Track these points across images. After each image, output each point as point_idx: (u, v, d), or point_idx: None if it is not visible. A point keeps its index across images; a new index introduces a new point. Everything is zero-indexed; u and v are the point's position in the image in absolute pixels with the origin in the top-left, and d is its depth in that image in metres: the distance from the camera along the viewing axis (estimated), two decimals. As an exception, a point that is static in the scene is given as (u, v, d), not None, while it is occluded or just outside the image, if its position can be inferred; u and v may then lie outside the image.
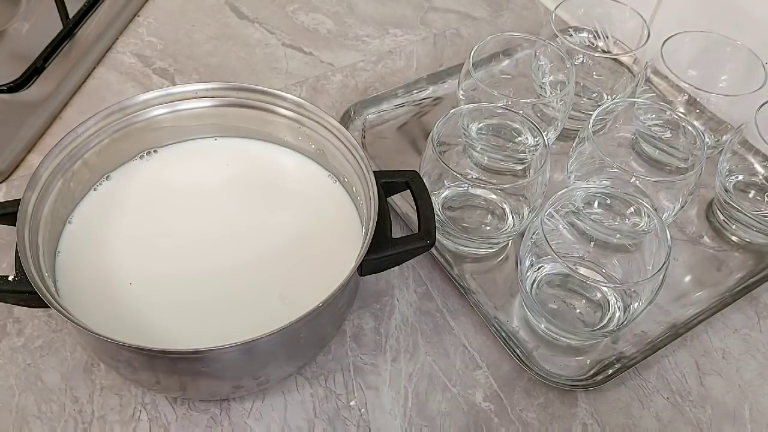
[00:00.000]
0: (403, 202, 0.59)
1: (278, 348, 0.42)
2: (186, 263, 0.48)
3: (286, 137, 0.54)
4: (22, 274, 0.40)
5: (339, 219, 0.51)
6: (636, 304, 0.48)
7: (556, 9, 0.65)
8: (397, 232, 0.57)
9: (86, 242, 0.48)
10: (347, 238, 0.50)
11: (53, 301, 0.40)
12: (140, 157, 0.53)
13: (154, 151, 0.54)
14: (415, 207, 0.48)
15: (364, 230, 0.49)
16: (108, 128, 0.50)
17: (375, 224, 0.44)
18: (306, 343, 0.45)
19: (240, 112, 0.53)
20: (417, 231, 0.47)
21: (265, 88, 0.52)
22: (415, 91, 0.69)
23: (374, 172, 0.47)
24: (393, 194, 0.50)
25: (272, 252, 0.49)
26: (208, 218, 0.51)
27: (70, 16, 0.72)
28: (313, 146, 0.53)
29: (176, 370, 0.42)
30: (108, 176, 0.52)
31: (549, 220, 0.50)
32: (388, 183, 0.49)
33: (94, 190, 0.51)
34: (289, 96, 0.52)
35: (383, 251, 0.45)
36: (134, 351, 0.39)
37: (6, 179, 0.60)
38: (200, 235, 0.50)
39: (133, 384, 0.47)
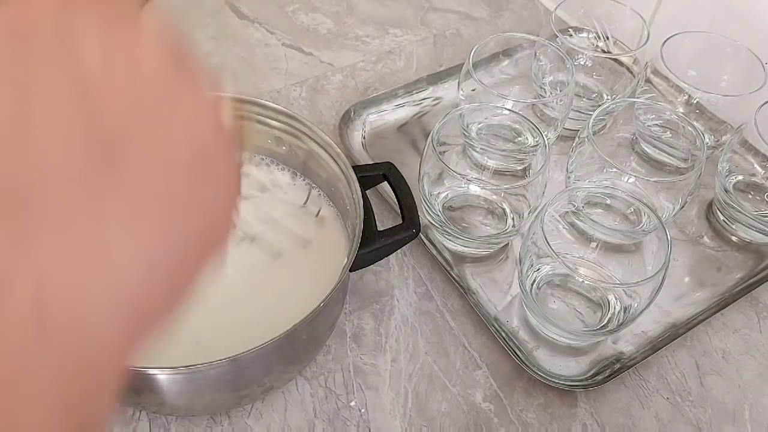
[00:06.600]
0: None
1: (275, 356, 0.42)
2: None
3: (253, 141, 0.53)
4: None
5: (320, 217, 0.51)
6: (636, 305, 0.48)
7: (556, 9, 0.64)
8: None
9: None
10: (331, 236, 0.50)
11: None
12: None
13: None
14: (395, 198, 0.48)
15: (350, 226, 0.48)
16: None
17: (362, 220, 0.44)
18: (302, 347, 0.44)
19: None
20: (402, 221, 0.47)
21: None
22: (415, 92, 0.69)
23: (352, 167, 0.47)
24: (370, 188, 0.50)
25: (258, 258, 0.48)
26: None
27: (70, 16, 0.72)
28: (284, 148, 0.53)
29: (162, 389, 0.41)
30: None
31: (549, 220, 0.50)
32: (365, 177, 0.49)
33: None
34: (252, 98, 0.51)
35: (371, 245, 0.45)
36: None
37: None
38: None
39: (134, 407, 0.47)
